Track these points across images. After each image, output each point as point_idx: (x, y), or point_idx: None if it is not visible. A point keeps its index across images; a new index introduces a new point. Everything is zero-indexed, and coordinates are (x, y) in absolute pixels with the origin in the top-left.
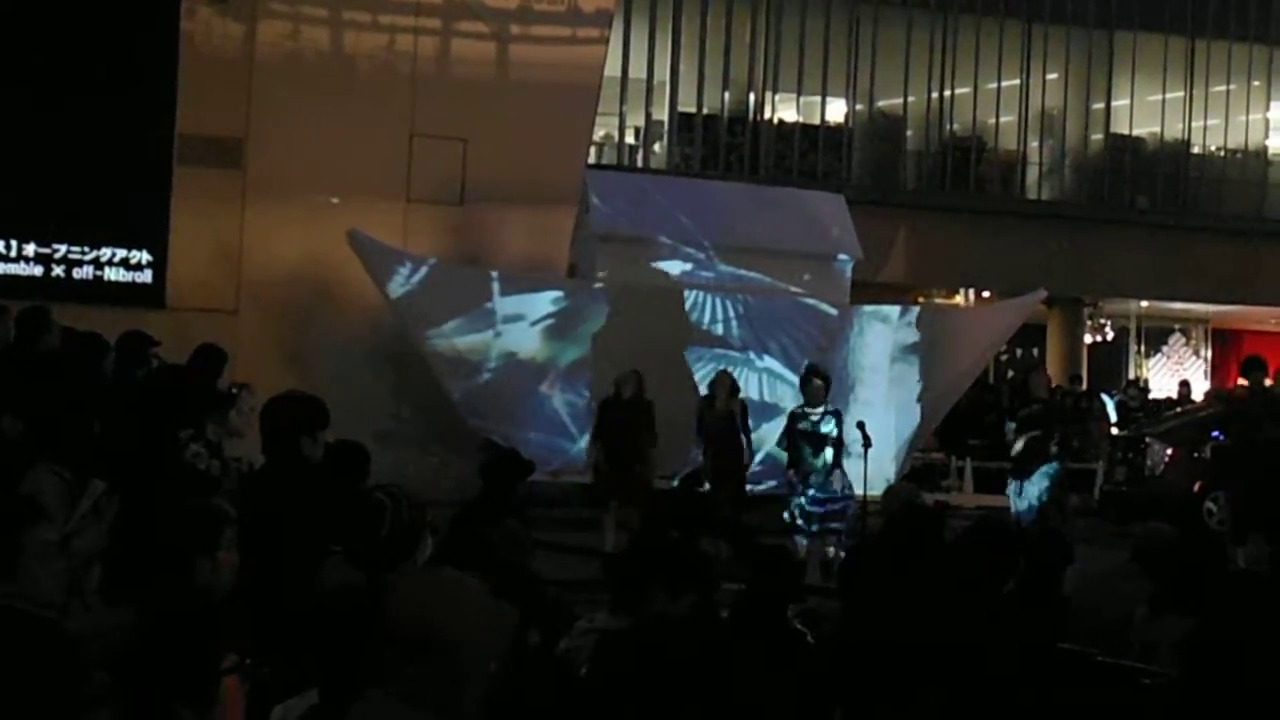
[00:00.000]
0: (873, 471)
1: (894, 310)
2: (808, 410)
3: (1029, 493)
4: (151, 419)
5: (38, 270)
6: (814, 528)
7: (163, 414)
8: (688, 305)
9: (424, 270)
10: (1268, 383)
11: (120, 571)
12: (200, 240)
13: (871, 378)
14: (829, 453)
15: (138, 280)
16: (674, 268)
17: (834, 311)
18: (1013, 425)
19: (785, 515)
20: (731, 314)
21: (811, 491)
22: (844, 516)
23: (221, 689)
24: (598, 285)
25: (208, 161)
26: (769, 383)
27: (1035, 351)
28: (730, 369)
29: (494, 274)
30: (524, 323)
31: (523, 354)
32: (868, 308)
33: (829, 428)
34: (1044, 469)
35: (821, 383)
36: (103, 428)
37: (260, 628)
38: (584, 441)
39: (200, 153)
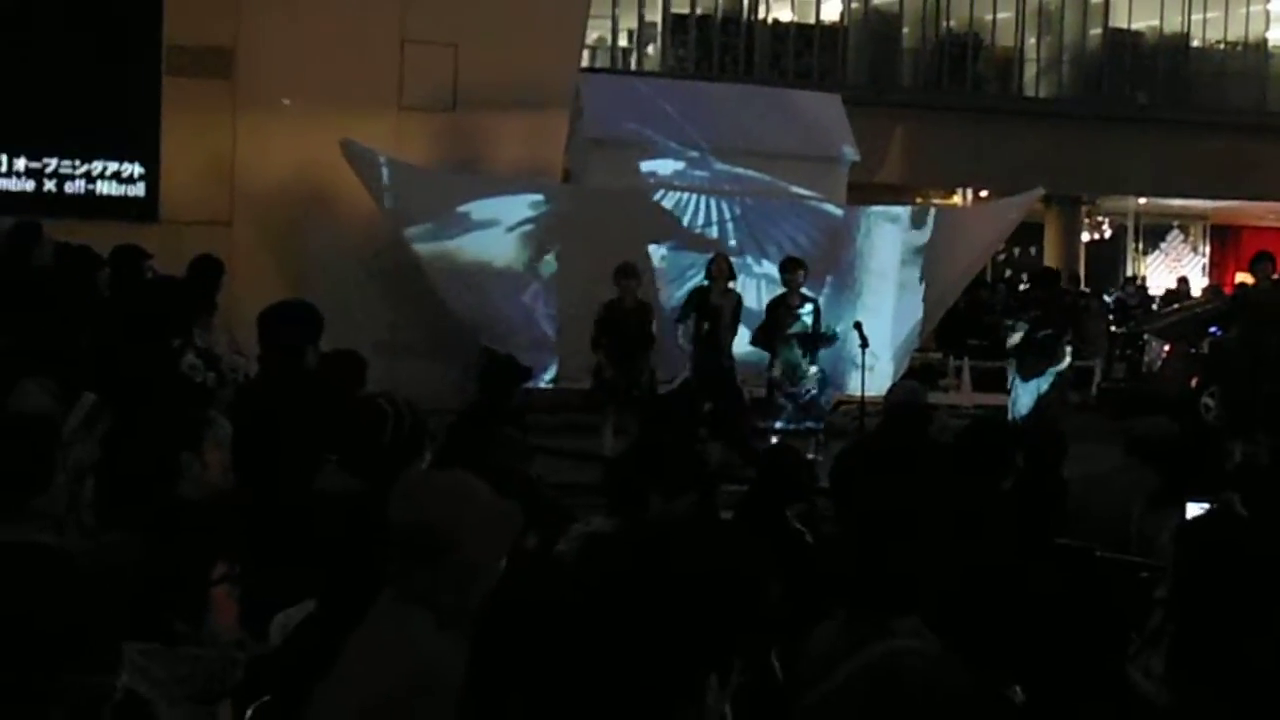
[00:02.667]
0: (870, 371)
1: (903, 210)
2: (789, 303)
3: (1035, 389)
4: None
5: (29, 185)
6: (795, 426)
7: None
8: (679, 207)
9: (417, 177)
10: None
11: (113, 484)
12: (192, 152)
13: (878, 282)
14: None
15: (130, 194)
16: (668, 171)
17: (839, 212)
18: (1013, 323)
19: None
20: (727, 215)
21: (800, 391)
22: (822, 414)
23: (212, 597)
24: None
25: (197, 72)
26: (768, 288)
27: (1033, 250)
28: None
29: (485, 180)
30: (509, 229)
31: (507, 262)
32: (875, 208)
33: (808, 320)
34: (1055, 368)
35: (803, 272)
36: (94, 341)
37: (256, 536)
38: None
39: (189, 63)
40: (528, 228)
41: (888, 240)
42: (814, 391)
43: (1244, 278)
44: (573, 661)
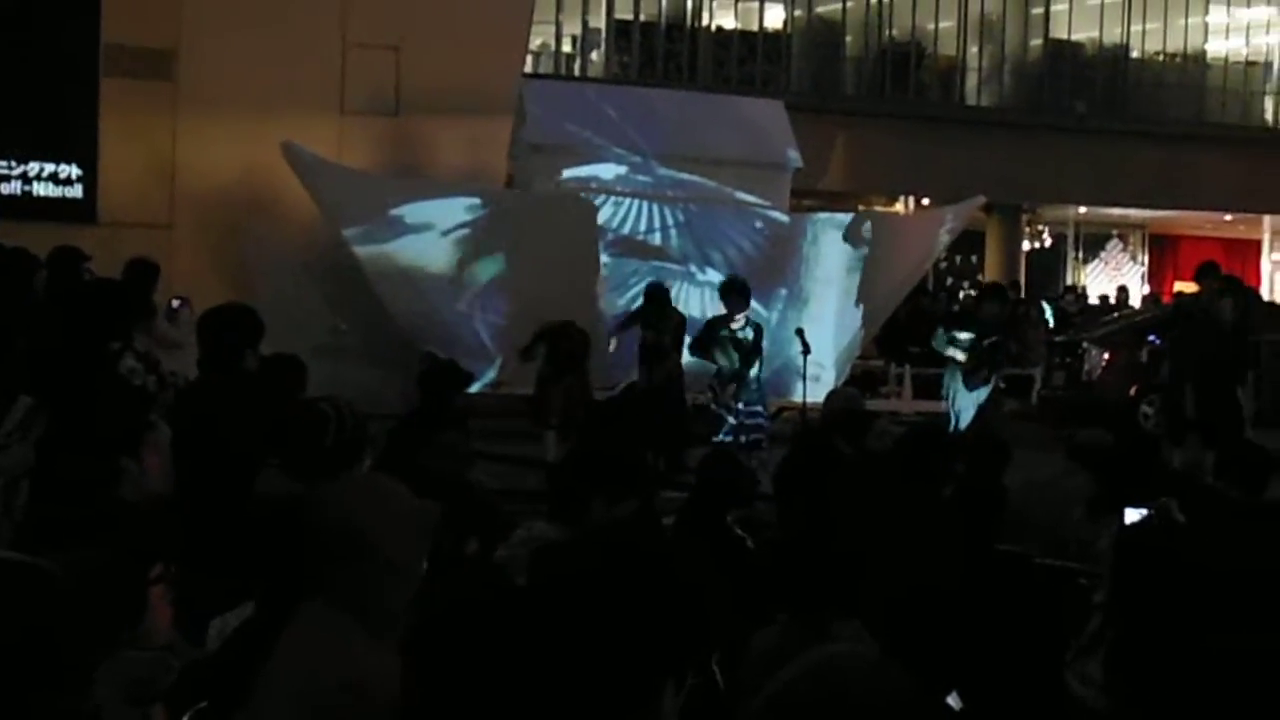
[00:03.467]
0: (815, 381)
1: (849, 218)
2: (728, 319)
3: (975, 397)
4: (81, 333)
5: None
6: (743, 439)
7: (93, 327)
8: (623, 213)
9: (359, 181)
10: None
11: (49, 488)
12: (132, 154)
13: (823, 289)
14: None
15: (68, 195)
16: (611, 176)
17: (785, 219)
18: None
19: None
20: (671, 222)
21: (740, 404)
22: (762, 429)
23: (149, 597)
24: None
25: (137, 73)
26: (711, 296)
27: (974, 258)
28: (668, 282)
29: (427, 185)
30: (449, 234)
31: (447, 267)
32: (822, 215)
33: (747, 336)
34: (995, 376)
35: (743, 295)
36: (30, 343)
37: (194, 540)
38: (500, 363)
39: (129, 64)
40: (467, 233)
41: (834, 247)
42: (756, 405)
43: (1184, 286)
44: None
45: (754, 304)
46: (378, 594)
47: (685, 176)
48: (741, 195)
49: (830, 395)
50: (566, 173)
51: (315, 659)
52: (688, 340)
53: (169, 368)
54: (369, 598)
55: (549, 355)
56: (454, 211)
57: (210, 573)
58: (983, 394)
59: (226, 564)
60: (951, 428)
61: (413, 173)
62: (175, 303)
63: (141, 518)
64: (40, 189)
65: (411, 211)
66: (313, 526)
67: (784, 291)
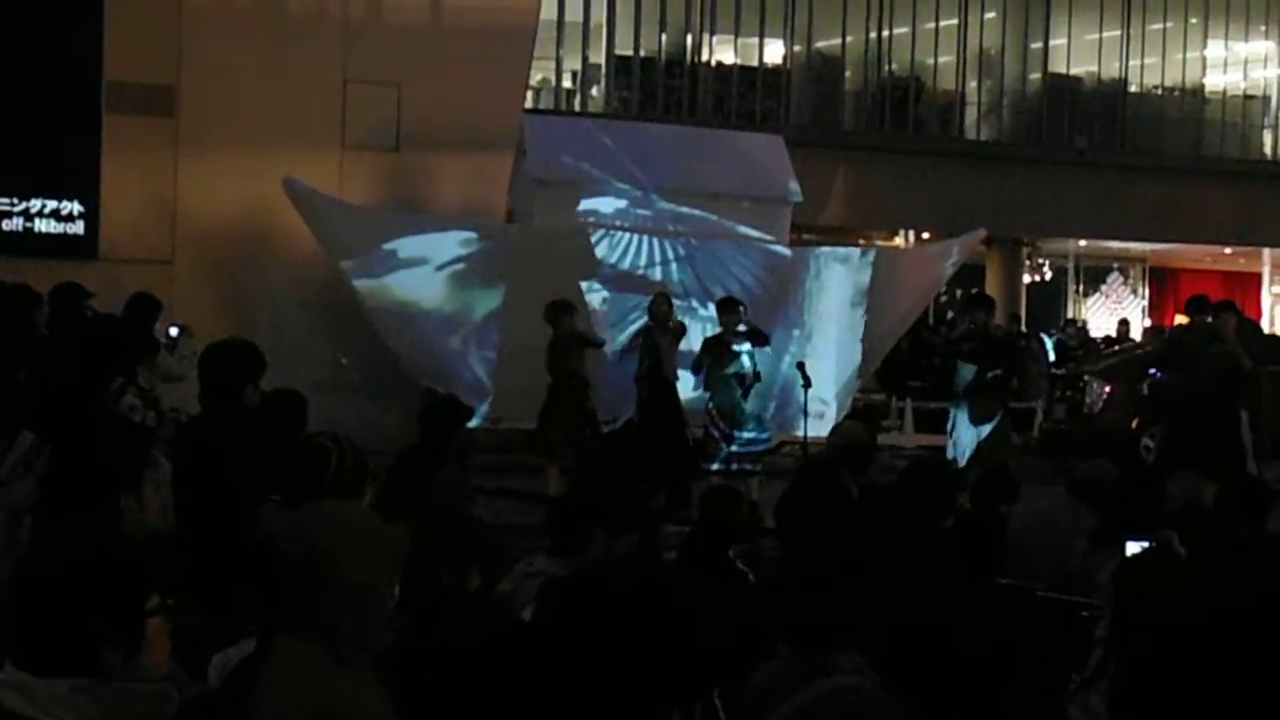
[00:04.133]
0: (820, 419)
1: (854, 251)
2: (728, 341)
3: (977, 433)
4: (82, 368)
5: None
6: (734, 467)
7: (94, 363)
8: (623, 247)
9: (359, 218)
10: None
11: (51, 522)
12: (133, 190)
13: (825, 323)
14: (752, 394)
15: (69, 231)
16: (612, 211)
17: (787, 253)
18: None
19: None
20: (671, 256)
21: (740, 433)
22: (758, 456)
23: (147, 630)
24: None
25: (138, 109)
26: (713, 331)
27: (974, 292)
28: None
29: (427, 220)
30: (449, 270)
31: (447, 302)
32: (824, 249)
33: (746, 360)
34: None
35: (742, 309)
36: (31, 378)
37: (196, 575)
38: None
39: (130, 101)
40: (464, 267)
41: (836, 281)
42: (753, 434)
43: (1184, 319)
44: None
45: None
46: (348, 619)
47: (686, 210)
48: (743, 229)
49: (835, 430)
50: (567, 208)
51: (289, 691)
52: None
53: (170, 401)
54: (340, 624)
55: (551, 389)
56: (451, 246)
57: (212, 608)
58: (985, 429)
59: (228, 599)
60: (950, 458)
61: (413, 208)
62: (173, 331)
63: (137, 550)
64: (42, 225)
65: (410, 246)
66: (280, 556)
67: (785, 325)
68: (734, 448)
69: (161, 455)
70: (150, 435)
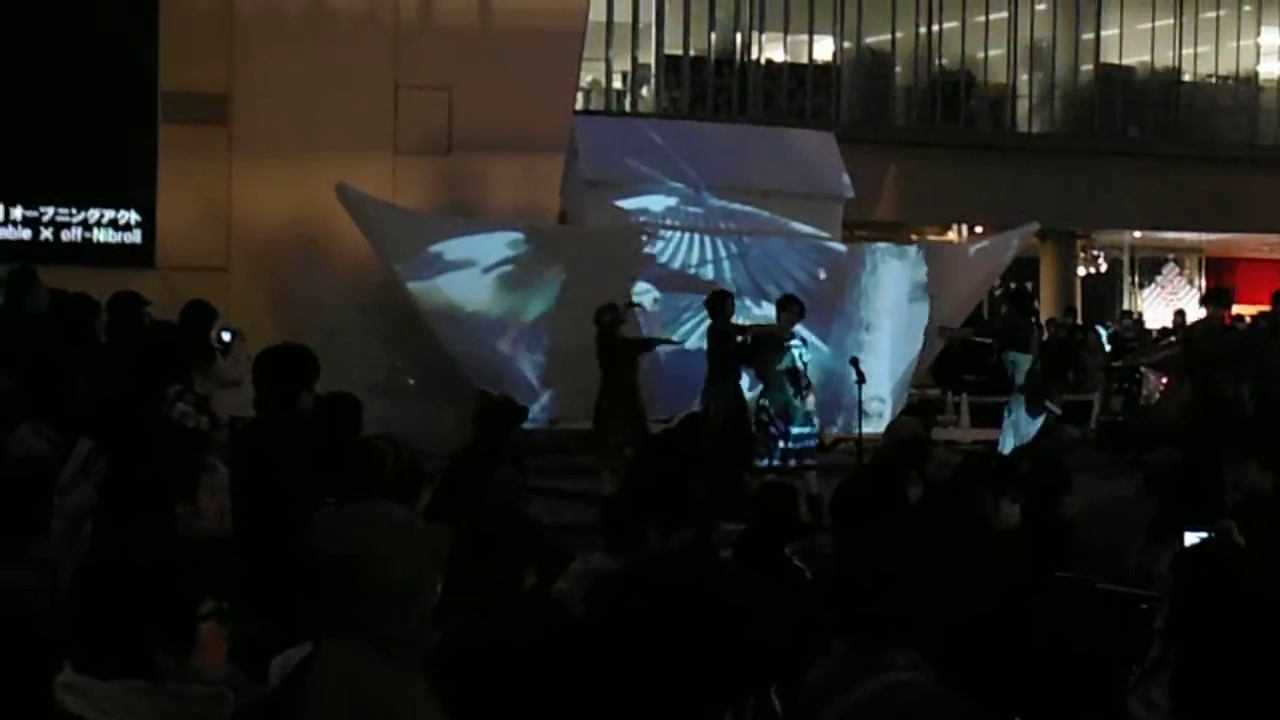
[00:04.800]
0: (879, 417)
1: (910, 248)
2: (777, 336)
3: (1036, 424)
4: (139, 376)
5: (26, 234)
6: (791, 464)
7: (150, 370)
8: (676, 246)
9: (412, 222)
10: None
11: (110, 527)
12: (188, 199)
13: (880, 319)
14: (808, 390)
15: (127, 240)
16: (663, 210)
17: (843, 249)
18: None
19: (764, 460)
20: (723, 254)
21: (795, 429)
22: (813, 452)
23: (200, 634)
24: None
25: (193, 119)
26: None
27: (1030, 285)
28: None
29: (480, 223)
30: (502, 272)
31: (500, 304)
32: (881, 245)
33: (801, 356)
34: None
35: (798, 308)
36: (89, 386)
37: (254, 580)
38: (545, 398)
39: (185, 110)
40: (516, 270)
41: (893, 278)
42: (807, 429)
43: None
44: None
45: (811, 335)
46: (393, 619)
47: (738, 207)
48: (796, 225)
49: (893, 425)
50: (620, 208)
51: (337, 691)
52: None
53: (226, 407)
54: (385, 624)
55: (604, 387)
56: (499, 248)
57: (270, 611)
58: (1035, 423)
59: (285, 603)
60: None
61: (466, 211)
62: (226, 335)
63: (191, 555)
64: (100, 235)
65: (458, 248)
66: (321, 556)
67: (841, 322)
68: (790, 444)
69: (218, 460)
70: (205, 440)
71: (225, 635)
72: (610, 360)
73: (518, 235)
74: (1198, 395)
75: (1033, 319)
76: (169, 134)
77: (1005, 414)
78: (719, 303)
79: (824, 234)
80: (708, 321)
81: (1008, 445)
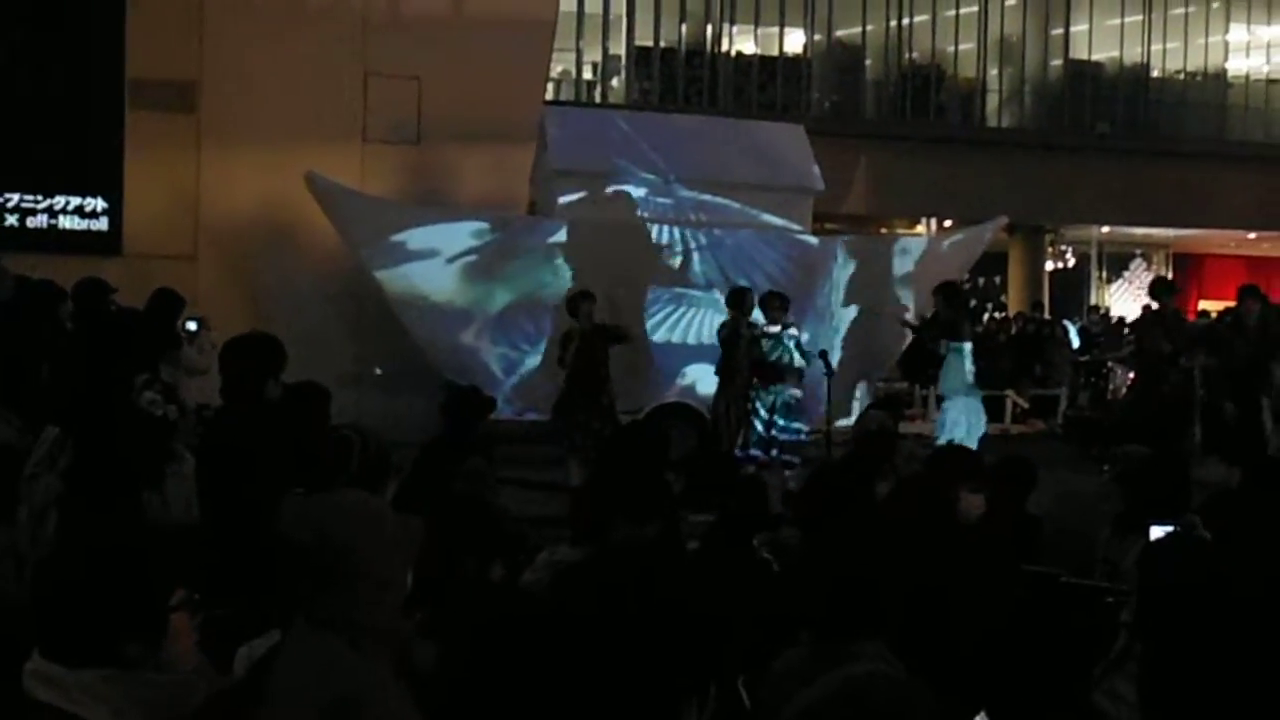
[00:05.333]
0: (836, 401)
1: (878, 240)
2: (768, 331)
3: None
4: (105, 363)
5: None
6: (773, 454)
7: (116, 359)
8: (646, 238)
9: (381, 211)
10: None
11: (76, 516)
12: (156, 186)
13: (850, 312)
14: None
15: (93, 228)
16: (635, 202)
17: (814, 241)
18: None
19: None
20: (693, 246)
21: (782, 421)
22: (800, 447)
23: (170, 624)
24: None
25: (161, 106)
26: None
27: (998, 279)
28: (695, 309)
29: (449, 213)
30: (472, 262)
31: (468, 294)
32: (851, 237)
33: (789, 344)
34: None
35: (781, 304)
36: (54, 374)
37: (221, 569)
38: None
39: (153, 97)
40: (484, 260)
41: (863, 270)
42: (797, 423)
43: (1208, 305)
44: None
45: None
46: (364, 608)
47: (708, 199)
48: (767, 217)
49: (861, 418)
50: (589, 199)
51: (305, 680)
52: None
53: (193, 395)
54: (355, 614)
55: (570, 380)
56: (467, 237)
57: (237, 601)
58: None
59: (252, 592)
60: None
61: (435, 200)
62: (191, 325)
63: (159, 544)
64: (66, 222)
65: (429, 238)
66: (295, 545)
67: (812, 315)
68: (776, 434)
69: (185, 449)
70: (172, 429)
71: (195, 625)
72: (584, 348)
73: (483, 225)
74: (1144, 385)
75: (967, 310)
76: (136, 121)
77: (945, 407)
78: (740, 299)
79: (795, 227)
80: (679, 313)
81: (958, 436)
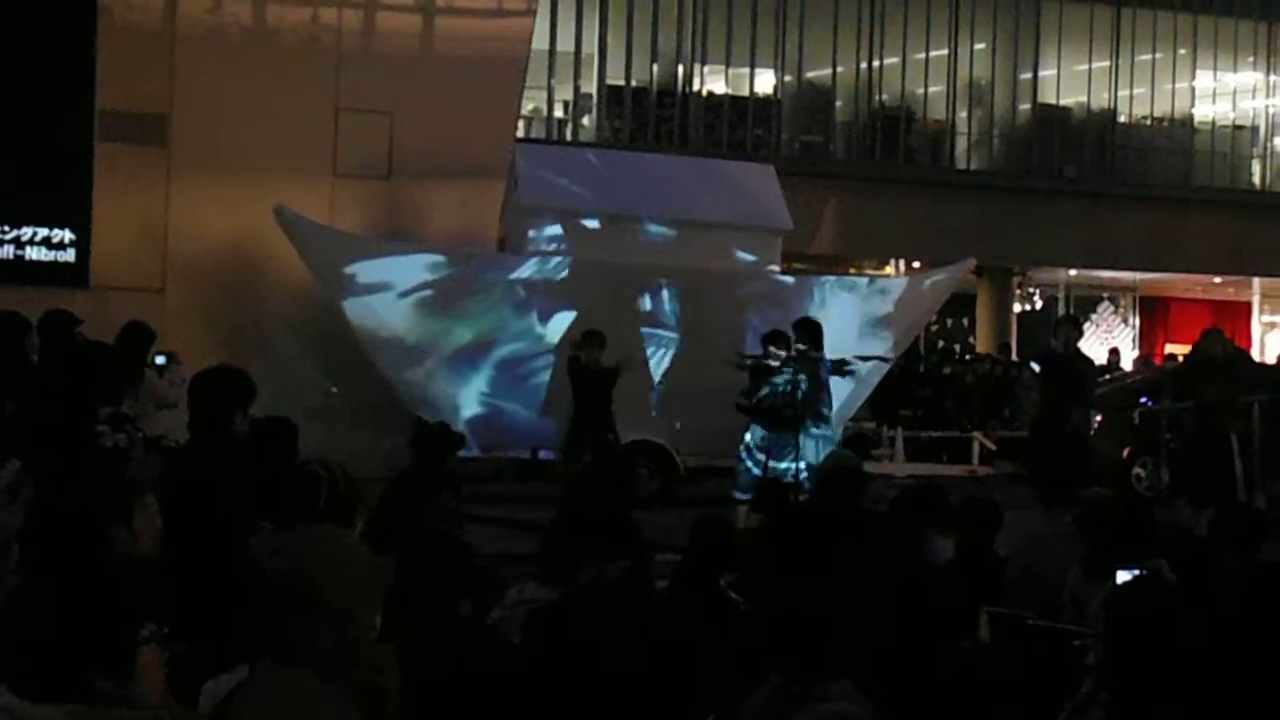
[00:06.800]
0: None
1: (860, 280)
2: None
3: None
4: (69, 397)
5: None
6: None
7: (80, 392)
8: (616, 278)
9: (350, 245)
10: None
11: (37, 551)
12: (124, 218)
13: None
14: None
15: (60, 259)
16: (604, 240)
17: (788, 281)
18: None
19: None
20: (663, 285)
21: (775, 463)
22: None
23: (139, 658)
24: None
25: (130, 138)
26: (707, 365)
27: (965, 321)
28: (667, 352)
29: (419, 248)
30: (441, 298)
31: (436, 330)
32: (830, 278)
33: (779, 381)
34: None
35: (782, 342)
36: (18, 407)
37: (187, 603)
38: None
39: (122, 129)
40: (447, 296)
41: (841, 312)
42: (786, 464)
43: (1175, 349)
44: None
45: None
46: (331, 643)
47: (679, 236)
48: (739, 255)
49: (828, 458)
50: (559, 237)
51: (271, 714)
52: None
53: (160, 429)
54: (323, 647)
55: (581, 415)
56: (447, 275)
57: (204, 635)
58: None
59: (219, 627)
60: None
61: (405, 235)
62: (161, 359)
63: (129, 578)
64: (33, 253)
65: (387, 272)
66: (267, 578)
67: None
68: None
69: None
70: (122, 456)
71: (163, 659)
72: (594, 388)
73: (439, 259)
74: (1046, 419)
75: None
76: (106, 153)
77: (802, 436)
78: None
79: (768, 266)
80: (659, 354)
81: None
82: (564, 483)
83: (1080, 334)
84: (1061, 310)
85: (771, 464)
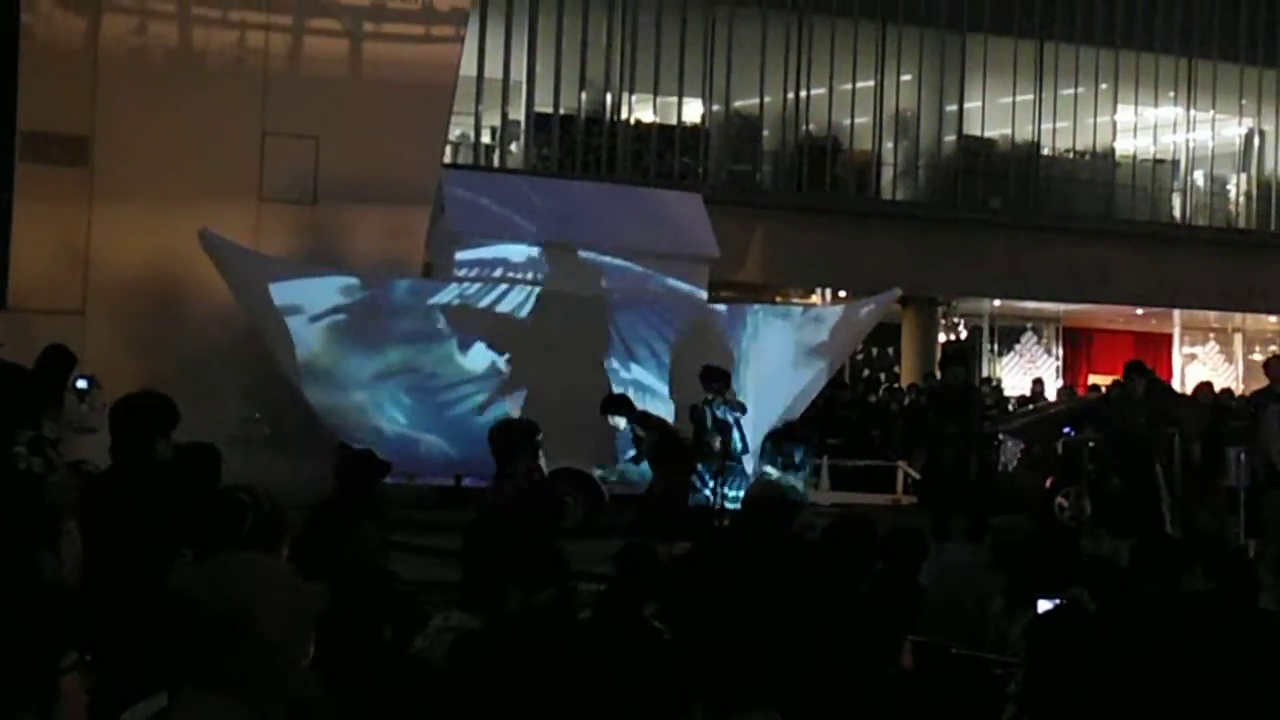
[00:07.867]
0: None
1: (795, 310)
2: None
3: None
4: None
5: None
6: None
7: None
8: (538, 304)
9: (275, 269)
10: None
11: None
12: (45, 239)
13: (747, 382)
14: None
15: None
16: (531, 266)
17: (721, 309)
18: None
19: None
20: (592, 315)
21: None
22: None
23: (60, 688)
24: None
25: (52, 159)
26: (637, 397)
27: (890, 350)
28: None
29: (343, 273)
30: (364, 324)
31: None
32: (764, 306)
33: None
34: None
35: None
36: None
37: (106, 631)
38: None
39: (44, 150)
40: (361, 320)
41: (776, 341)
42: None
43: (1098, 380)
44: None
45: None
46: (258, 671)
47: (606, 262)
48: (670, 282)
49: (754, 486)
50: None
51: None
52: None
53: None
54: (250, 674)
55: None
56: (372, 301)
57: (123, 664)
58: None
59: (139, 655)
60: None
61: (330, 260)
62: (82, 383)
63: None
64: None
65: (316, 297)
66: (195, 606)
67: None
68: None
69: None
70: (39, 481)
71: (85, 688)
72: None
73: (352, 282)
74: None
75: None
76: (26, 173)
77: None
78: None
79: (702, 294)
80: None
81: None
82: (477, 510)
83: (969, 373)
84: (986, 342)
85: (722, 492)
